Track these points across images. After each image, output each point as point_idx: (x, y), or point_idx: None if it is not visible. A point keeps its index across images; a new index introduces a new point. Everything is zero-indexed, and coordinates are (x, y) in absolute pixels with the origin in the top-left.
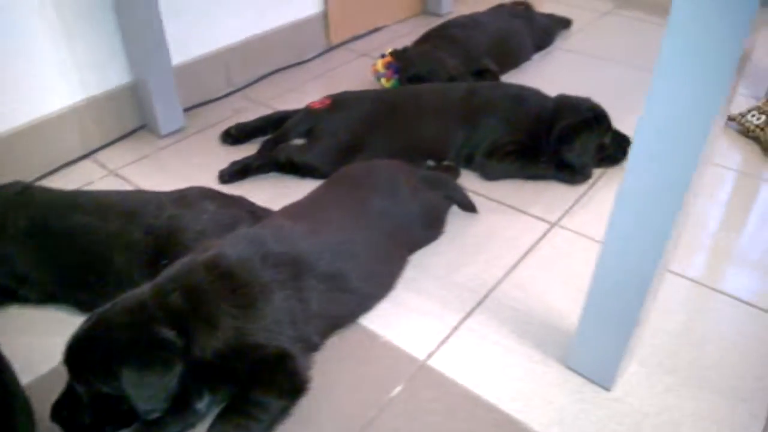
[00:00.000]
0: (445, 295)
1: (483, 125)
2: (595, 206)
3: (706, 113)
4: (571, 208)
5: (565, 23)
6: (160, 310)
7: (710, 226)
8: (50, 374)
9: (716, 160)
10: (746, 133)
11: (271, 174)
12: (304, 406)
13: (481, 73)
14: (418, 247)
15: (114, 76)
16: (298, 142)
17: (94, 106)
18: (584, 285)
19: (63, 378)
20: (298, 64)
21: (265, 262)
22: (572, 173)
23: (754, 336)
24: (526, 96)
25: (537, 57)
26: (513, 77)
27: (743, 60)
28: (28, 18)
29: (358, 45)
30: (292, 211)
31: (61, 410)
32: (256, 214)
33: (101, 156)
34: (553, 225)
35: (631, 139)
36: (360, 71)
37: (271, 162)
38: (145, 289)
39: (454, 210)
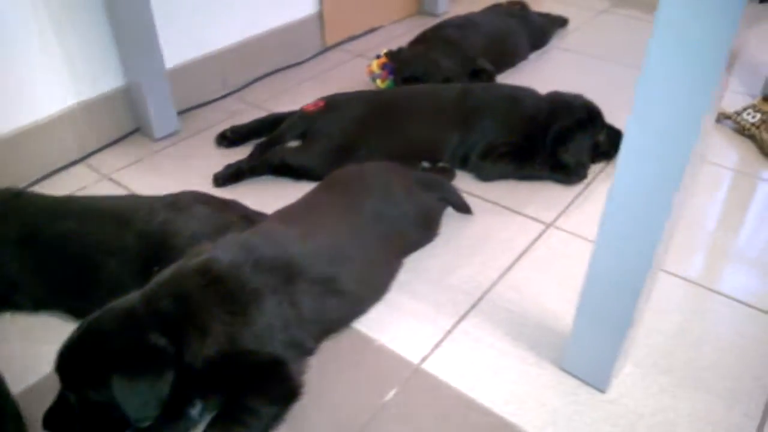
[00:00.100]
0: (439, 298)
1: (478, 126)
2: (590, 206)
3: (695, 111)
4: (566, 208)
5: (561, 22)
6: (151, 317)
7: (706, 226)
8: (43, 381)
9: (712, 158)
10: (742, 131)
11: (266, 177)
12: (298, 411)
13: (477, 74)
14: (413, 250)
15: (107, 79)
16: (293, 145)
17: (87, 110)
18: (579, 286)
19: (56, 386)
20: (294, 65)
21: (256, 267)
22: (567, 173)
23: (751, 336)
24: (520, 96)
25: (533, 56)
26: (509, 77)
27: (732, 57)
28: (20, 22)
29: (354, 46)
30: (284, 214)
31: (53, 418)
32: (249, 218)
33: (95, 160)
34: (548, 226)
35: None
36: (355, 72)
37: (266, 165)
38: (135, 295)
39: (449, 212)
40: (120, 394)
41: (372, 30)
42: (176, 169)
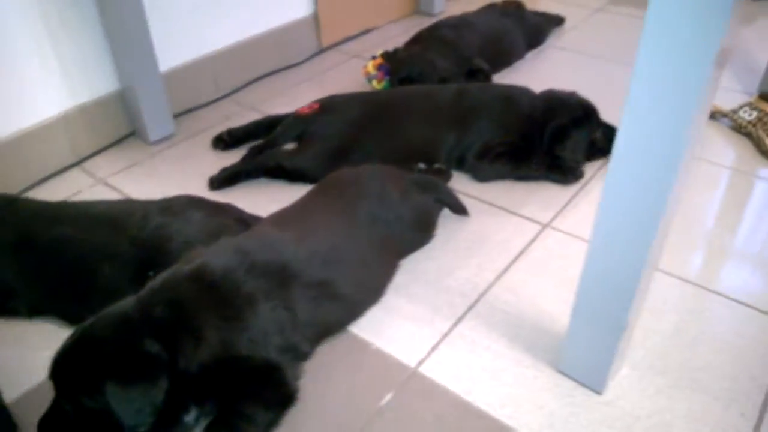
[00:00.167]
0: (436, 301)
1: (473, 127)
2: (587, 206)
3: (687, 108)
4: (563, 208)
5: (557, 21)
6: (144, 323)
7: (702, 225)
8: (38, 388)
9: (709, 157)
10: (738, 129)
11: (262, 180)
12: (294, 415)
13: (473, 73)
14: (409, 252)
15: (102, 83)
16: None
17: (82, 114)
18: (576, 287)
19: (51, 392)
20: (289, 67)
21: (250, 271)
22: (564, 173)
23: (748, 336)
24: (515, 96)
25: (530, 55)
26: (506, 76)
27: (724, 54)
28: (13, 27)
29: (350, 46)
30: (279, 218)
31: (47, 425)
32: (244, 221)
33: (90, 164)
34: (545, 226)
35: None
36: (352, 73)
37: (261, 167)
38: (129, 301)
39: (446, 213)
40: (114, 401)
41: (368, 30)
42: (172, 173)
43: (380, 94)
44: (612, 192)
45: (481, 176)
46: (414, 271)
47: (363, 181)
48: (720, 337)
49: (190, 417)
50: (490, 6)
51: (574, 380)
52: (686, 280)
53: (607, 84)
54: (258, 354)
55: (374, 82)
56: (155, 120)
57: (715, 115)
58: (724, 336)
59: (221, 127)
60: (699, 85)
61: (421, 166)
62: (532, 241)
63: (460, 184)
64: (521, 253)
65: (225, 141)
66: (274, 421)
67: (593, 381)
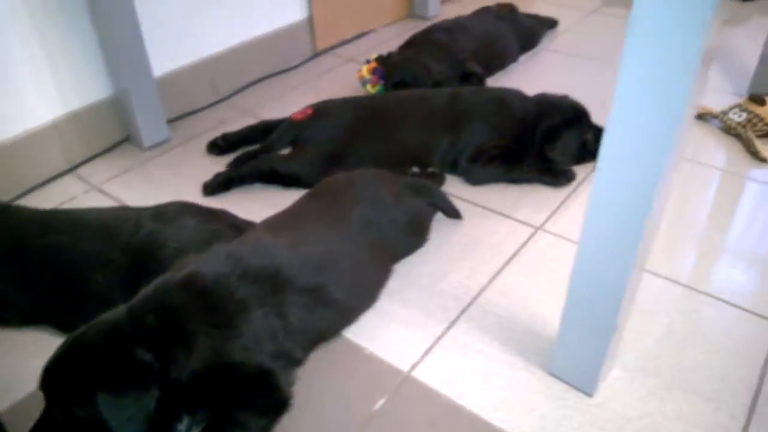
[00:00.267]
0: (429, 305)
1: (467, 130)
2: (578, 209)
3: (672, 109)
4: (555, 211)
5: (550, 23)
6: (135, 331)
7: (693, 226)
8: (29, 398)
9: (699, 158)
10: (728, 130)
11: (256, 185)
12: (287, 421)
13: (467, 77)
14: (403, 256)
15: (95, 89)
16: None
17: (75, 120)
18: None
19: (42, 402)
20: (284, 71)
21: (243, 278)
22: (555, 176)
23: (737, 337)
24: (508, 99)
25: (524, 58)
26: (500, 79)
27: (710, 54)
28: (5, 33)
29: (345, 50)
30: (272, 223)
31: None
32: (238, 227)
33: (84, 171)
34: (537, 229)
35: None
36: (347, 77)
37: (255, 173)
38: (121, 310)
39: (439, 217)
40: (105, 411)
41: (362, 34)
42: (166, 179)
43: (374, 99)
44: (599, 193)
45: (474, 179)
46: (407, 276)
47: (356, 185)
48: (710, 339)
49: (182, 426)
50: (484, 9)
51: (566, 383)
52: (676, 282)
53: (600, 86)
54: (251, 360)
55: (368, 86)
56: (149, 125)
57: (704, 117)
58: (714, 337)
59: (216, 132)
60: (684, 86)
61: (415, 169)
62: (525, 243)
63: (453, 187)
64: (514, 255)
65: (220, 146)
66: (268, 428)
67: (584, 383)
